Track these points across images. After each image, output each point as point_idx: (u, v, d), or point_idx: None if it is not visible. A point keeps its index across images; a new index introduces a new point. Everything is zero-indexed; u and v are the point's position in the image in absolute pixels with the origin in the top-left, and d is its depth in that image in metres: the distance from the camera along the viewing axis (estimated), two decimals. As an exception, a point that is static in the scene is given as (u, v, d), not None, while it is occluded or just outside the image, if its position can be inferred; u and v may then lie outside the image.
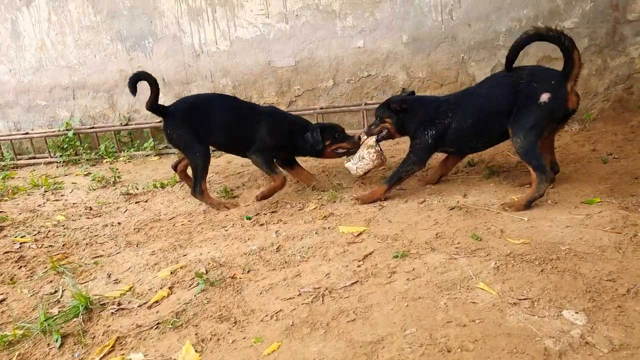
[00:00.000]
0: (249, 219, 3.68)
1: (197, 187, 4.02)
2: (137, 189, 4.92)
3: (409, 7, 6.16)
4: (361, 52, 6.42)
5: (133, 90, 3.95)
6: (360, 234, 3.12)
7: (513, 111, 3.36)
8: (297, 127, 4.27)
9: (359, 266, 2.67)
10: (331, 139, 4.20)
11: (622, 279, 2.21)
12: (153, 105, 3.98)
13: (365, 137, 4.16)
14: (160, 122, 5.92)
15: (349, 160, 4.17)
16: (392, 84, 6.49)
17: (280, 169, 4.21)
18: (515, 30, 5.96)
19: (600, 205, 3.12)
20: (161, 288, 2.70)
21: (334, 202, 3.88)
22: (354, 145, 4.16)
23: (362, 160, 4.04)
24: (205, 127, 4.02)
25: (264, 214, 3.75)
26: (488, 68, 6.17)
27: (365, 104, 6.34)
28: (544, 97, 3.25)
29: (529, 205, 3.23)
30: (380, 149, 4.03)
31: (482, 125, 3.56)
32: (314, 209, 3.76)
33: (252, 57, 6.69)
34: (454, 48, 6.20)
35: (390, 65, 6.42)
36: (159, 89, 4.01)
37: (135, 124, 7.27)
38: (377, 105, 4.36)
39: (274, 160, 4.22)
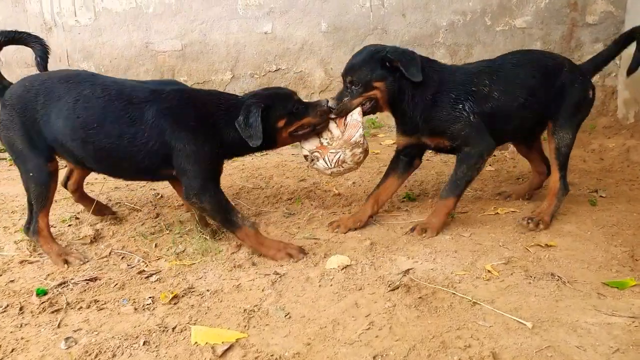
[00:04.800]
0: (41, 293, 2.05)
1: (33, 223, 2.40)
2: None
3: (330, -14, 4.82)
4: (269, 38, 4.95)
5: None
6: (228, 349, 1.64)
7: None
8: (222, 109, 2.41)
9: None
10: (286, 117, 2.41)
11: None
12: None
13: (335, 115, 2.49)
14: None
15: (314, 157, 2.53)
16: (306, 83, 5.09)
17: (243, 217, 2.41)
18: (458, 26, 4.83)
19: (639, 292, 1.92)
20: None
21: (203, 256, 2.36)
22: (322, 118, 2.46)
23: (342, 165, 2.53)
24: (52, 127, 2.29)
25: (74, 285, 2.13)
26: (425, 70, 4.98)
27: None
28: (592, 92, 2.74)
29: (552, 218, 2.62)
30: (364, 137, 2.51)
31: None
32: (164, 271, 2.21)
33: (125, 36, 4.96)
34: (384, 42, 4.88)
35: (305, 59, 5.02)
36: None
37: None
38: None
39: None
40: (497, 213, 2.85)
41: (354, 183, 3.57)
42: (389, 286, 2.02)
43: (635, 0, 4.52)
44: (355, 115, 2.48)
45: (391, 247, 2.46)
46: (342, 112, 2.46)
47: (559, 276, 2.04)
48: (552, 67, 2.68)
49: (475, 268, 2.19)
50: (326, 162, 2.51)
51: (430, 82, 2.51)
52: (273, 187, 3.53)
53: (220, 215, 2.35)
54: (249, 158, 4.45)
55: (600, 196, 3.04)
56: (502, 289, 1.99)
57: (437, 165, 3.97)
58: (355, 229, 2.67)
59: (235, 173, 3.93)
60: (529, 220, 2.56)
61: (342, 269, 2.20)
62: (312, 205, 3.14)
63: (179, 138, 2.29)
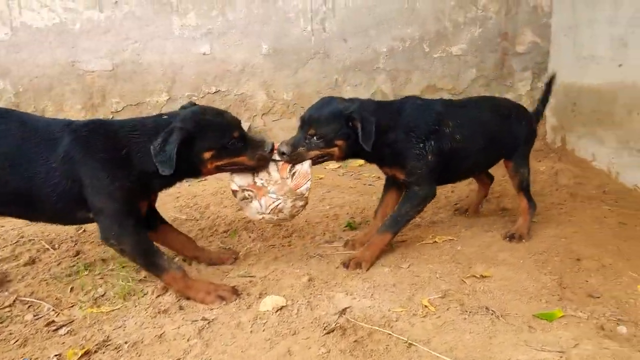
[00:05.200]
0: None
1: None
2: None
3: (270, 8, 4.77)
4: (207, 59, 4.82)
5: None
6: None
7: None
8: (135, 134, 2.16)
9: None
10: (214, 150, 2.18)
11: None
12: None
13: (285, 161, 2.33)
14: None
15: (245, 197, 2.32)
16: (248, 105, 4.98)
17: (168, 259, 2.22)
18: (398, 52, 4.91)
19: (566, 324, 1.94)
20: None
21: (125, 301, 2.18)
22: (259, 164, 2.29)
23: (277, 214, 2.35)
24: None
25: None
26: (366, 95, 5.00)
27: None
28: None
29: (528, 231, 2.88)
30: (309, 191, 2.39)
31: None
32: (77, 321, 2.00)
33: (48, 54, 4.64)
34: (326, 66, 4.94)
35: (246, 81, 4.92)
36: None
37: None
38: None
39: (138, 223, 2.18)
40: (436, 242, 2.85)
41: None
42: (324, 329, 1.93)
43: (557, 33, 4.79)
44: (306, 166, 2.35)
45: (330, 282, 2.38)
46: (294, 161, 2.33)
47: (492, 310, 2.03)
48: (507, 113, 2.93)
49: (413, 303, 2.14)
50: (260, 206, 2.32)
51: (391, 124, 2.51)
52: (209, 217, 3.38)
53: (141, 258, 2.15)
54: (185, 184, 4.26)
55: (534, 222, 3.12)
56: (438, 327, 1.95)
57: (378, 191, 3.95)
58: None
59: (169, 202, 3.73)
60: (512, 237, 2.81)
61: (277, 310, 2.09)
62: (249, 237, 3.01)
63: (87, 171, 2.05)
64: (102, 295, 2.24)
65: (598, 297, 2.16)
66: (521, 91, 5.03)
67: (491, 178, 3.33)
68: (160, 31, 4.67)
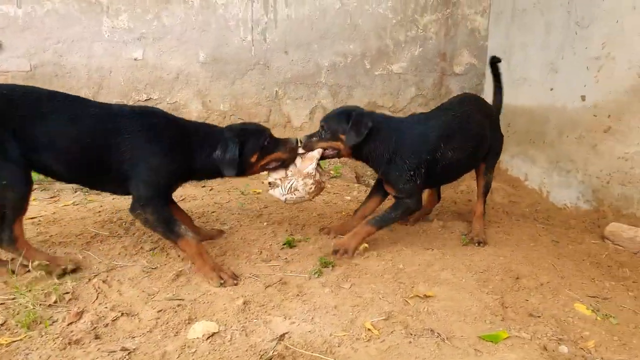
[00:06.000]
0: None
1: (6, 231, 2.34)
2: None
3: (209, 16, 4.58)
4: (139, 66, 4.53)
5: None
6: None
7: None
8: (200, 138, 2.69)
9: None
10: (259, 150, 2.71)
11: None
12: None
13: (302, 150, 2.84)
14: None
15: (274, 184, 2.83)
16: (182, 114, 4.67)
17: (185, 228, 2.54)
18: (339, 67, 4.87)
19: (512, 346, 1.89)
20: None
21: (30, 330, 1.88)
22: (291, 155, 2.79)
23: (294, 193, 2.81)
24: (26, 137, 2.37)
25: None
26: (307, 109, 4.92)
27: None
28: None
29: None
30: (321, 175, 2.84)
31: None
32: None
33: (-44, 50, 4.17)
34: (266, 78, 4.80)
35: (180, 89, 4.67)
36: None
37: None
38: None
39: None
40: (378, 256, 2.77)
41: (230, 227, 3.28)
42: (261, 357, 1.76)
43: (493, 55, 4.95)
44: (314, 152, 2.80)
45: (267, 305, 2.21)
46: (307, 149, 2.80)
47: (438, 332, 1.95)
48: (489, 114, 3.11)
49: (355, 327, 2.02)
50: (282, 189, 2.79)
51: (390, 143, 2.79)
52: (134, 234, 3.09)
53: (162, 226, 2.48)
54: (110, 198, 3.93)
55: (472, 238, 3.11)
56: (382, 352, 1.83)
57: (319, 207, 3.84)
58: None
59: (89, 217, 3.40)
60: (478, 243, 2.99)
61: (208, 337, 1.89)
62: (178, 256, 2.76)
63: (145, 153, 2.49)
64: (2, 324, 1.93)
65: (539, 317, 2.14)
66: (458, 111, 5.14)
67: (438, 197, 3.54)
68: (87, 32, 4.34)
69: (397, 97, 5.04)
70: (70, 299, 2.23)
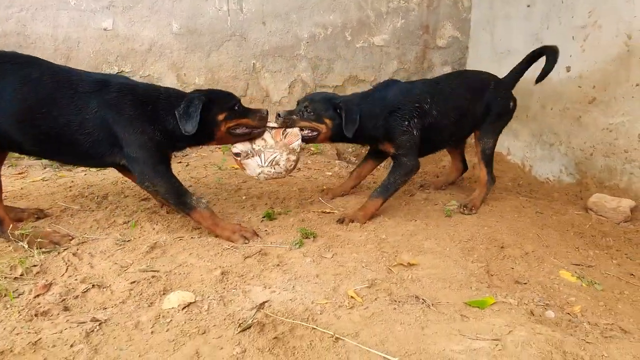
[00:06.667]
0: None
1: None
2: None
3: (183, -16, 4.38)
4: (109, 36, 4.32)
5: None
6: None
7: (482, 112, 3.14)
8: (161, 98, 2.56)
9: None
10: (226, 112, 2.60)
11: None
12: None
13: (279, 126, 2.74)
14: None
15: (250, 153, 2.69)
16: (156, 89, 4.52)
17: (197, 199, 2.55)
18: (319, 39, 4.73)
19: (498, 311, 1.83)
20: None
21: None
22: (260, 124, 2.67)
23: (274, 166, 2.71)
24: None
25: None
26: (286, 83, 4.78)
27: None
28: (512, 103, 3.20)
29: (481, 203, 3.11)
30: (300, 150, 2.79)
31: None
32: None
33: None
34: (243, 50, 4.64)
35: (154, 62, 4.48)
36: None
37: None
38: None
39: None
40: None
41: (207, 202, 3.16)
42: (239, 326, 1.67)
43: (476, 28, 4.88)
44: (295, 129, 2.73)
45: (246, 275, 2.12)
46: (285, 124, 2.72)
47: (423, 299, 1.89)
48: (479, 86, 3.13)
49: (338, 294, 1.94)
50: (260, 159, 2.67)
51: (385, 107, 2.87)
52: (106, 208, 2.95)
53: (174, 197, 2.44)
54: (82, 174, 3.76)
55: (457, 210, 3.05)
56: (366, 318, 1.76)
57: (299, 182, 3.75)
58: (342, 196, 3.22)
59: (59, 192, 3.24)
60: (464, 208, 2.99)
61: (184, 307, 1.79)
62: (154, 229, 2.65)
63: (122, 127, 2.38)
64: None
65: (525, 284, 2.10)
66: (440, 86, 5.06)
67: (464, 166, 3.64)
68: (52, 0, 4.10)
69: (379, 71, 4.93)
70: (37, 272, 2.11)
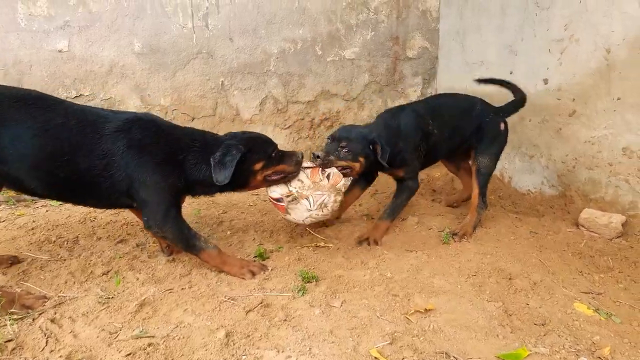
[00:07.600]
0: None
1: None
2: None
3: (143, 1, 4.08)
4: (65, 58, 3.97)
5: None
6: None
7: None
8: (196, 145, 2.45)
9: None
10: (264, 160, 2.51)
11: None
12: None
13: (316, 166, 2.66)
14: None
15: (295, 199, 2.55)
16: (119, 113, 4.21)
17: (205, 239, 2.48)
18: (289, 54, 4.56)
19: (534, 366, 1.75)
20: None
21: None
22: (296, 168, 2.58)
23: (323, 209, 2.61)
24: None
25: None
26: (256, 100, 4.58)
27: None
28: (502, 126, 3.26)
29: (474, 229, 3.08)
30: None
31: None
32: None
33: None
34: (210, 68, 4.40)
35: (115, 84, 4.16)
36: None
37: None
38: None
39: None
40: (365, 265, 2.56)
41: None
42: None
43: (446, 38, 4.85)
44: (335, 169, 2.69)
45: (252, 335, 1.94)
46: (325, 165, 2.67)
47: (454, 356, 1.77)
48: (467, 107, 3.24)
49: (360, 355, 1.80)
50: (309, 203, 2.56)
51: (401, 136, 2.97)
52: (80, 255, 2.68)
53: (182, 242, 2.39)
54: (42, 210, 3.44)
55: (453, 236, 2.97)
56: (399, 386, 1.63)
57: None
58: (328, 226, 3.19)
59: (21, 236, 2.93)
60: (454, 236, 2.96)
61: None
62: (137, 280, 2.42)
63: (145, 171, 2.28)
64: None
65: (546, 325, 2.02)
66: (412, 97, 5.01)
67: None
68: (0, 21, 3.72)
69: (351, 85, 4.82)
70: (13, 349, 1.86)
